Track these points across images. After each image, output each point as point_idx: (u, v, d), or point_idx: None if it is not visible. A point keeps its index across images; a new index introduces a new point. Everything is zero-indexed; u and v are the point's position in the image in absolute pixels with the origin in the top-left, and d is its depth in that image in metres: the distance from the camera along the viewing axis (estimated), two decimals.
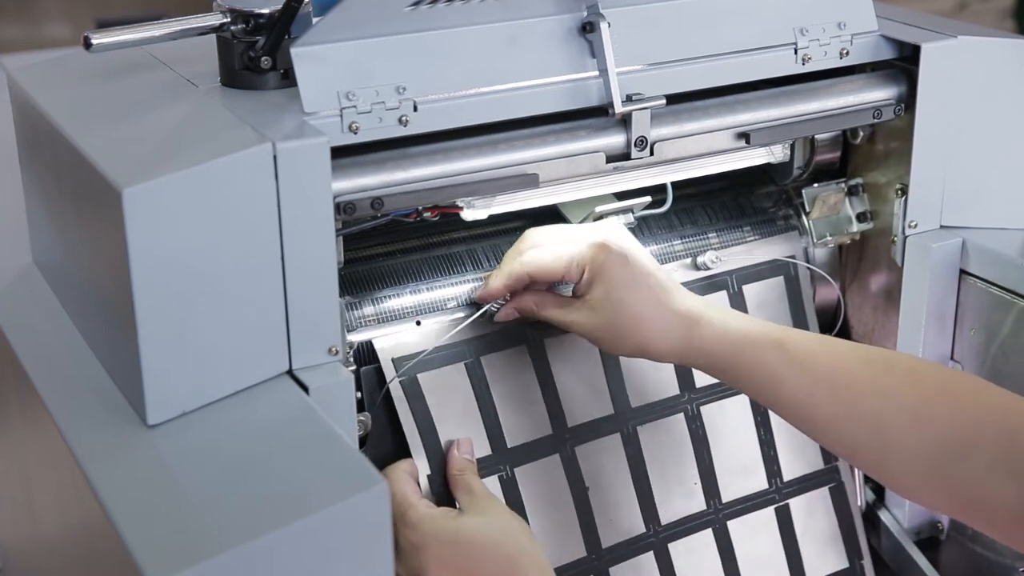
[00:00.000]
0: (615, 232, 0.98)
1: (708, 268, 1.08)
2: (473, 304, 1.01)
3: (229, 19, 0.91)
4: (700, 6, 0.98)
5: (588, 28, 0.93)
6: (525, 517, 0.99)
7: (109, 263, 0.81)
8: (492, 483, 0.99)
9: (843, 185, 1.11)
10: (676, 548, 1.05)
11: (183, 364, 0.81)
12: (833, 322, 1.15)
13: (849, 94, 1.03)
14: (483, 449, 0.99)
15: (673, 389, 1.06)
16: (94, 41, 0.88)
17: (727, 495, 1.08)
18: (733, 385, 0.96)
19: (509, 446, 1.00)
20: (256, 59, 0.90)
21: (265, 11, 0.90)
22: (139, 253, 0.77)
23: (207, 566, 0.68)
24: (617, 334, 0.95)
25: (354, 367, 0.95)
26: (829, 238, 1.12)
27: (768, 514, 1.09)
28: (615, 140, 0.96)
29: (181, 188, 0.78)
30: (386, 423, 0.97)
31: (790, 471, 1.10)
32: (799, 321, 1.11)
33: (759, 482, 1.09)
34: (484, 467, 0.98)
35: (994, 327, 1.05)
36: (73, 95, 0.94)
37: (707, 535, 1.07)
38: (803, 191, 1.11)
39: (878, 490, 1.15)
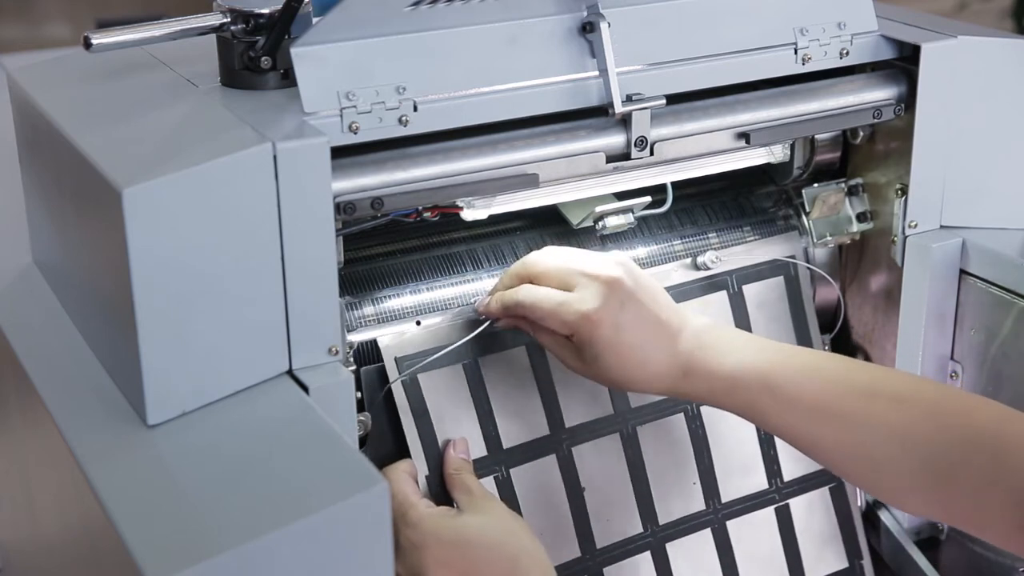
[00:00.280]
0: (615, 291, 0.94)
1: (708, 268, 1.08)
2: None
3: (229, 19, 0.91)
4: (700, 6, 0.98)
5: (588, 28, 0.93)
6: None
7: (109, 263, 0.81)
8: (488, 484, 0.99)
9: (843, 185, 1.11)
10: (674, 548, 1.05)
11: (183, 364, 0.81)
12: (833, 322, 1.15)
13: (849, 94, 1.03)
14: (479, 450, 0.99)
15: None
16: (94, 41, 0.88)
17: (726, 495, 1.07)
18: (722, 408, 0.97)
19: (505, 447, 1.00)
20: (256, 59, 0.90)
21: (265, 11, 0.90)
22: (139, 253, 0.77)
23: (207, 566, 0.68)
24: (608, 381, 0.97)
25: (354, 367, 0.95)
26: (829, 238, 1.12)
27: (768, 514, 1.09)
28: (615, 140, 0.96)
29: (181, 188, 0.78)
30: (386, 423, 0.97)
31: (790, 471, 1.10)
32: (799, 321, 1.11)
33: (759, 482, 1.09)
34: (480, 468, 0.98)
35: (994, 327, 1.05)
36: (73, 95, 0.94)
37: (706, 535, 1.07)
38: (803, 191, 1.11)
39: None
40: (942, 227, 1.08)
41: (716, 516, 1.07)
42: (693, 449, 1.07)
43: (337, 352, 0.86)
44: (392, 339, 0.97)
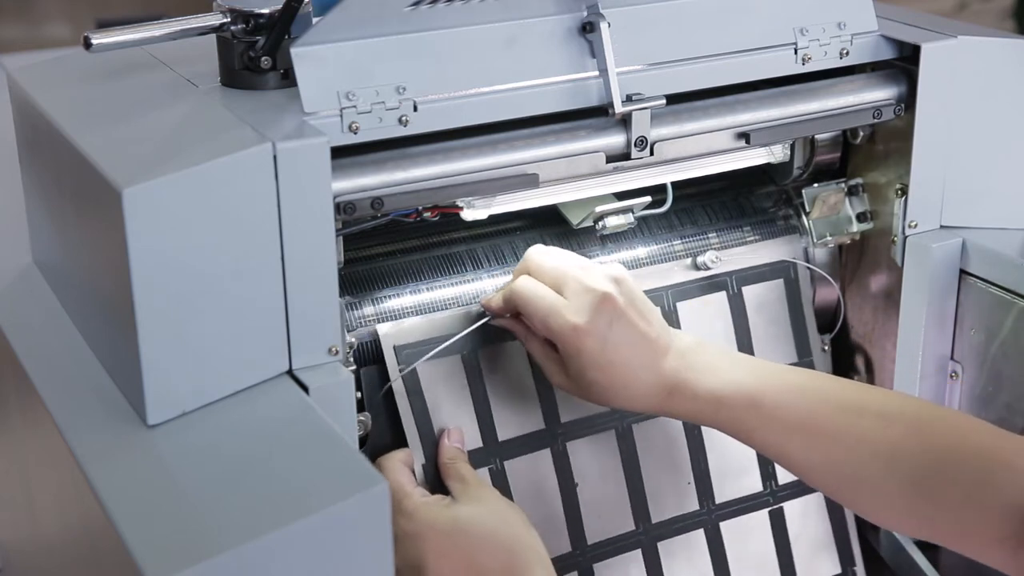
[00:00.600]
0: (606, 306, 0.94)
1: (708, 268, 1.08)
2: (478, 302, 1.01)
3: (229, 19, 0.91)
4: (700, 6, 0.98)
5: (588, 28, 0.93)
6: None
7: (109, 263, 0.81)
8: (482, 476, 0.99)
9: (843, 185, 1.11)
10: (665, 547, 1.05)
11: (183, 364, 0.81)
12: (833, 322, 1.15)
13: (849, 94, 1.03)
14: (475, 441, 0.99)
15: None
16: (94, 41, 0.88)
17: (721, 496, 1.08)
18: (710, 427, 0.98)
19: (501, 439, 1.00)
20: (256, 59, 0.90)
21: (265, 11, 0.90)
22: (139, 253, 0.77)
23: (207, 566, 0.68)
24: (591, 398, 0.97)
25: (354, 367, 0.95)
26: (829, 238, 1.12)
27: (762, 517, 1.09)
28: (615, 140, 0.96)
29: (181, 188, 0.78)
30: (384, 416, 0.97)
31: (785, 475, 1.10)
32: (798, 324, 1.11)
33: (754, 484, 1.09)
34: (475, 460, 0.99)
35: (994, 327, 1.05)
36: (73, 95, 0.94)
37: (698, 535, 1.07)
38: (803, 191, 1.11)
39: None
40: (942, 227, 1.08)
41: (710, 517, 1.07)
42: (689, 449, 1.07)
43: (337, 352, 0.86)
44: (391, 327, 0.97)
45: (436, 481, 0.97)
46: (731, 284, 1.09)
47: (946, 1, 3.11)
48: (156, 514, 0.73)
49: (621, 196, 1.04)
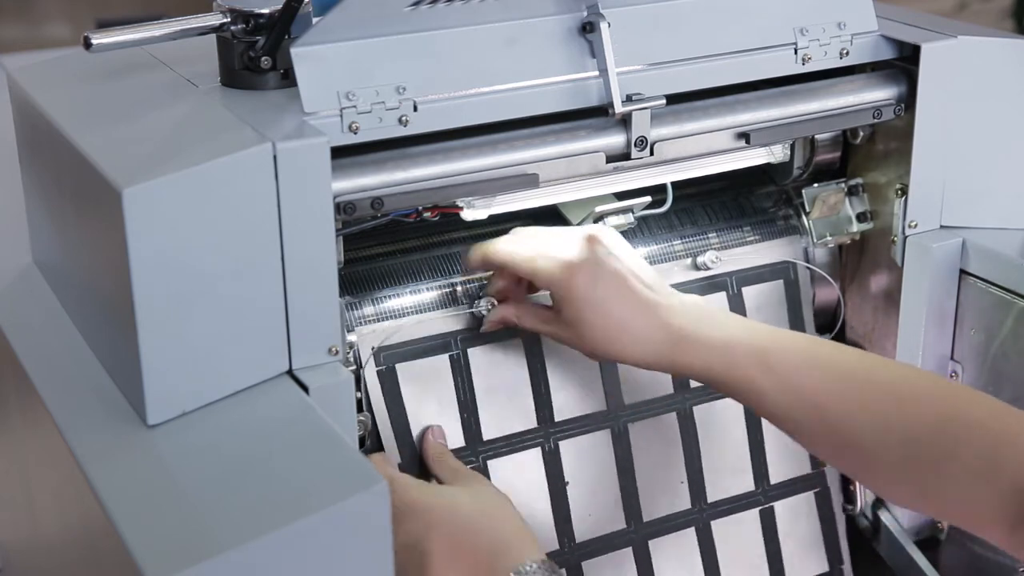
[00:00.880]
0: (593, 245, 0.95)
1: (708, 268, 1.08)
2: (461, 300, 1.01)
3: (229, 19, 0.91)
4: (700, 6, 0.98)
5: (588, 28, 0.93)
6: None
7: (109, 263, 0.81)
8: None
9: (843, 185, 1.11)
10: (656, 545, 1.06)
11: (183, 364, 0.81)
12: (833, 322, 1.15)
13: (849, 94, 1.03)
14: (457, 440, 0.99)
15: (668, 388, 1.06)
16: (94, 41, 0.88)
17: (713, 495, 1.08)
18: (718, 391, 0.96)
19: (485, 438, 1.00)
20: (256, 59, 0.90)
21: (265, 11, 0.90)
22: (139, 253, 0.77)
23: (207, 566, 0.68)
24: (594, 347, 0.95)
25: (354, 367, 0.95)
26: (829, 238, 1.12)
27: (752, 516, 1.09)
28: (615, 140, 0.96)
29: (181, 188, 0.78)
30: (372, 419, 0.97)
31: (777, 474, 1.10)
32: (797, 324, 1.11)
33: (746, 484, 1.09)
34: (457, 458, 0.98)
35: (994, 327, 1.05)
36: (73, 95, 0.94)
37: (689, 534, 1.07)
38: (803, 191, 1.11)
39: None
40: (942, 227, 1.08)
41: (701, 516, 1.07)
42: (683, 449, 1.07)
43: (337, 352, 0.86)
44: (369, 330, 0.97)
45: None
46: (731, 284, 1.09)
47: (946, 1, 3.11)
48: (156, 514, 0.73)
49: (621, 196, 1.04)
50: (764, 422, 1.09)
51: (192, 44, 0.94)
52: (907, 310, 1.08)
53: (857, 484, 1.12)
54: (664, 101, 0.95)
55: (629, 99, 0.94)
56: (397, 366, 0.98)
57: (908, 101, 1.04)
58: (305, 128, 0.84)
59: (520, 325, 0.99)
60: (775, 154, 1.09)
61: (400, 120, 0.88)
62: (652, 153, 0.97)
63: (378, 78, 0.87)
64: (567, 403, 1.03)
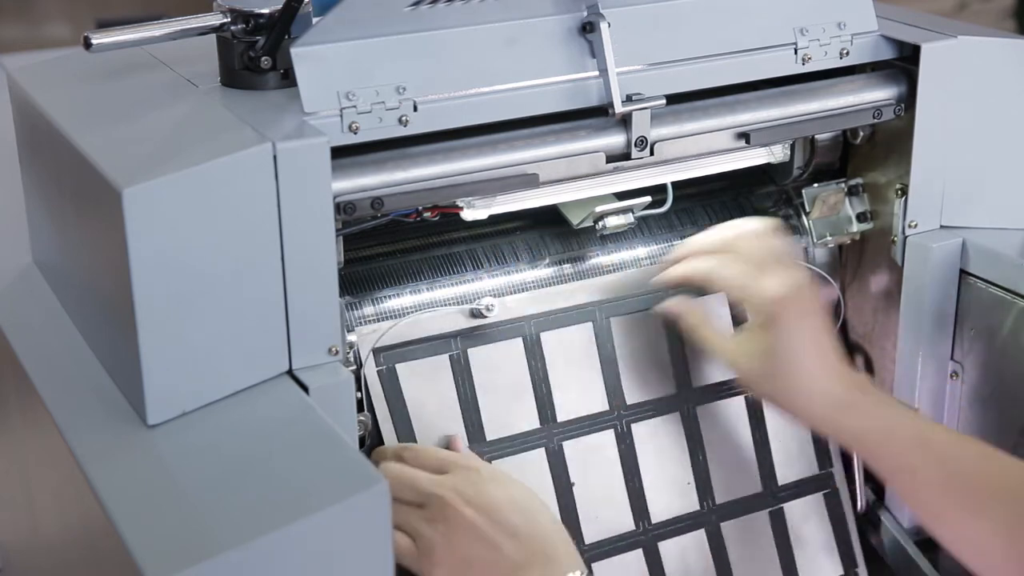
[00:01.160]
0: (804, 291, 0.98)
1: None
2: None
3: (229, 19, 0.91)
4: (700, 6, 0.98)
5: (588, 28, 0.93)
6: None
7: (109, 263, 0.81)
8: None
9: (843, 185, 1.11)
10: (666, 547, 1.05)
11: (183, 364, 0.81)
12: (833, 322, 1.15)
13: (849, 94, 1.03)
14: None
15: (671, 388, 1.06)
16: (94, 41, 0.88)
17: (721, 497, 1.07)
18: (866, 463, 1.00)
19: (489, 439, 1.00)
20: (256, 59, 0.90)
21: (265, 11, 0.90)
22: (139, 253, 0.77)
23: (207, 566, 0.68)
24: (765, 378, 0.98)
25: (354, 367, 0.95)
26: (829, 238, 1.12)
27: (763, 517, 1.09)
28: (615, 140, 0.96)
29: (181, 188, 0.78)
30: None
31: (784, 475, 1.10)
32: None
33: (753, 485, 1.09)
34: None
35: (994, 327, 1.05)
36: (73, 95, 0.94)
37: (700, 535, 1.07)
38: (803, 191, 1.11)
39: (878, 491, 1.14)
40: (942, 227, 1.08)
41: (711, 517, 1.07)
42: (689, 450, 1.07)
43: (337, 352, 0.86)
44: (370, 330, 0.97)
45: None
46: None
47: (946, 1, 3.11)
48: (156, 514, 0.73)
49: (621, 196, 1.04)
50: (768, 421, 1.09)
51: (192, 44, 0.94)
52: (907, 310, 1.08)
53: (857, 484, 1.12)
54: (664, 101, 0.95)
55: (629, 99, 0.94)
56: (397, 366, 0.98)
57: (908, 101, 1.04)
58: (305, 128, 0.84)
59: (694, 332, 1.02)
60: (775, 154, 1.09)
61: (400, 120, 0.88)
62: (652, 153, 0.97)
63: (378, 78, 0.87)
64: (569, 403, 1.03)
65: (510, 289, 1.03)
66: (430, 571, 0.88)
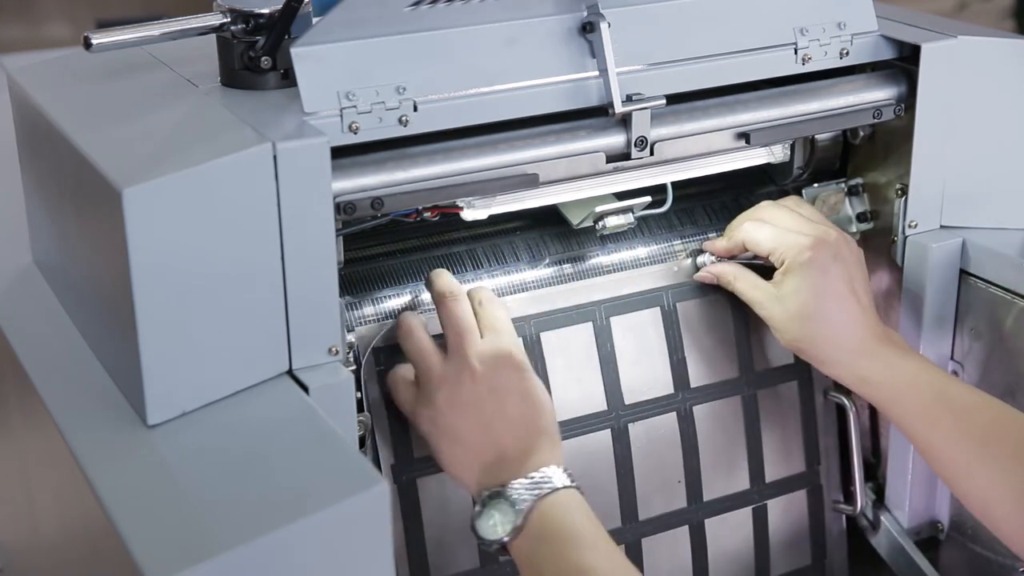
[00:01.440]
0: (834, 242, 1.01)
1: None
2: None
3: (229, 19, 0.91)
4: (700, 6, 0.98)
5: (588, 28, 0.93)
6: None
7: (109, 263, 0.81)
8: None
9: (843, 185, 1.11)
10: (648, 543, 1.06)
11: (183, 364, 0.81)
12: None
13: (849, 94, 1.03)
14: None
15: (668, 388, 1.06)
16: (94, 41, 0.88)
17: (709, 494, 1.08)
18: (884, 413, 1.01)
19: None
20: (256, 59, 0.90)
21: (265, 11, 0.90)
22: (139, 253, 0.77)
23: (207, 566, 0.68)
24: (791, 325, 1.00)
25: (354, 367, 0.95)
26: None
27: (745, 514, 1.10)
28: (615, 140, 0.96)
29: (181, 188, 0.78)
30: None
31: (773, 473, 1.10)
32: None
33: (742, 482, 1.09)
34: None
35: (994, 327, 1.05)
36: (73, 95, 0.95)
37: (682, 532, 1.07)
38: (803, 191, 1.11)
39: (878, 490, 1.15)
40: (942, 227, 1.08)
41: (696, 514, 1.07)
42: (682, 449, 1.07)
43: (337, 352, 0.86)
44: (369, 330, 0.97)
45: (404, 482, 0.97)
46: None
47: (946, 1, 3.11)
48: (156, 514, 0.73)
49: (621, 196, 1.04)
50: (761, 420, 1.09)
51: (192, 44, 0.94)
52: (907, 310, 1.08)
53: (857, 484, 1.12)
54: (664, 101, 0.95)
55: (629, 99, 0.94)
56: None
57: (908, 101, 1.04)
58: (305, 128, 0.84)
59: (733, 285, 1.04)
60: (775, 154, 1.09)
61: (400, 120, 0.88)
62: (652, 153, 0.97)
63: (378, 78, 0.87)
64: (566, 403, 1.03)
65: (510, 289, 1.03)
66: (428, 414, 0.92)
